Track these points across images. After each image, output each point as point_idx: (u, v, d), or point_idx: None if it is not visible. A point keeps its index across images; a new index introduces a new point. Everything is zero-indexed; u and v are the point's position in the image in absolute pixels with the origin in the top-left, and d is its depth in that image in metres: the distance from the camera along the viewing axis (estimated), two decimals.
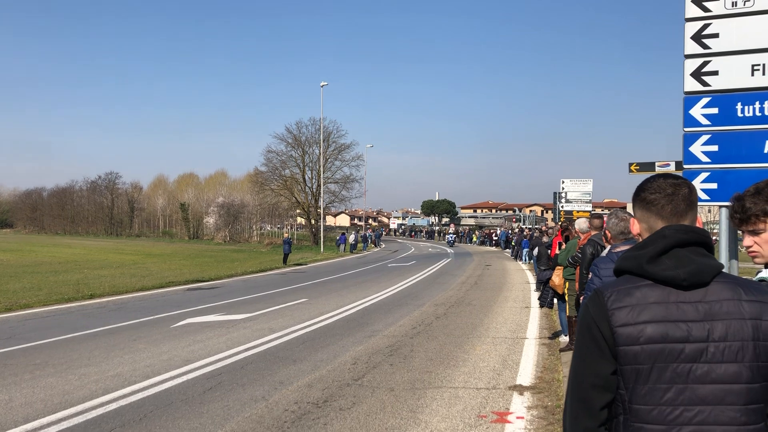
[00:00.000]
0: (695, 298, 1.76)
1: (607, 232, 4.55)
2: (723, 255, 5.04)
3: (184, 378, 7.73)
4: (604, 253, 4.80)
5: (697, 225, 1.93)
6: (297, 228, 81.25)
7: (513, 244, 40.21)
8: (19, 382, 7.63)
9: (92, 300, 16.45)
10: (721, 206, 5.12)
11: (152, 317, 13.03)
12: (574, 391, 1.84)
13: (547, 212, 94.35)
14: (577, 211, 31.96)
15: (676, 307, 1.76)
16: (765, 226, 2.09)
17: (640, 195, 1.95)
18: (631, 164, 22.18)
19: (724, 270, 1.86)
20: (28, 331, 11.41)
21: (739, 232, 2.30)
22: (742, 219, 2.15)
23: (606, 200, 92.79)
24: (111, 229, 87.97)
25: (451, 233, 58.72)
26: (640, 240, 1.96)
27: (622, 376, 1.77)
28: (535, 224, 58.19)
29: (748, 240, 2.17)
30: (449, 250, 49.11)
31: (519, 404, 6.61)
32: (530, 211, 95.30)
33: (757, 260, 2.17)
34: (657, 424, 1.72)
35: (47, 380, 7.70)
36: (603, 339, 1.78)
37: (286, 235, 35.95)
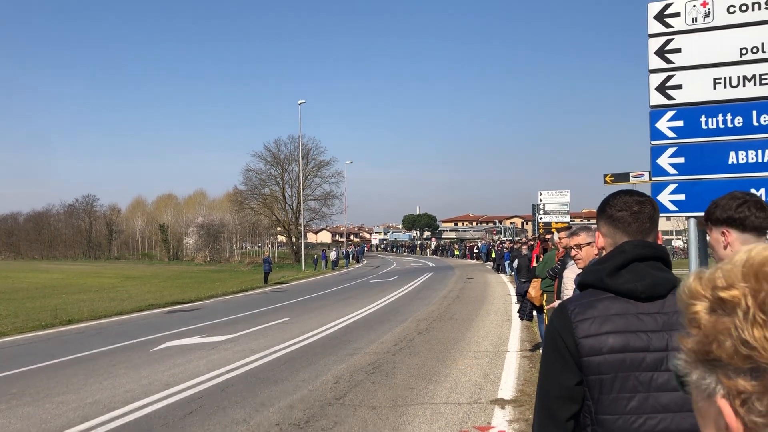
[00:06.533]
0: (654, 309, 1.83)
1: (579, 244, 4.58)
2: (693, 263, 5.15)
3: (164, 402, 7.66)
4: (571, 272, 4.84)
5: (657, 241, 2.01)
6: (278, 246, 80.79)
7: (494, 256, 40.42)
8: None
9: (70, 326, 16.21)
10: (689, 217, 5.24)
11: (132, 341, 12.87)
12: (541, 402, 1.90)
13: (527, 224, 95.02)
14: (556, 222, 32.27)
15: (636, 318, 1.82)
16: (710, 231, 2.27)
17: (606, 211, 2.02)
18: (606, 175, 22.52)
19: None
20: (4, 360, 11.21)
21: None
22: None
23: (585, 210, 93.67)
24: (89, 252, 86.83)
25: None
26: (604, 254, 2.03)
27: (588, 386, 1.82)
28: (515, 236, 58.42)
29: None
30: (431, 264, 49.12)
31: (501, 418, 6.64)
32: (510, 223, 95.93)
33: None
34: None
35: (24, 410, 7.58)
36: (567, 350, 1.83)
37: (266, 254, 35.68)
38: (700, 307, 0.73)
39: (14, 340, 13.85)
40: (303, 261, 50.81)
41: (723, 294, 0.70)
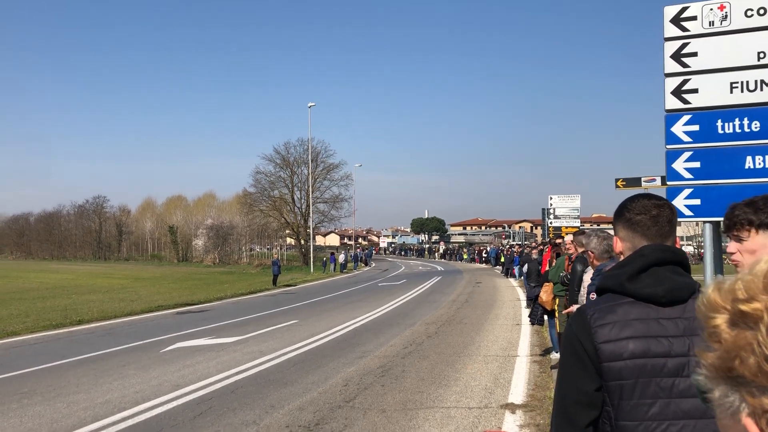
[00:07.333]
0: (675, 314, 1.81)
1: (591, 252, 4.57)
2: (708, 269, 5.10)
3: (174, 403, 7.67)
4: (589, 276, 4.82)
5: (676, 245, 1.98)
6: (287, 248, 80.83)
7: (503, 260, 40.32)
8: (6, 411, 7.53)
9: (80, 326, 16.29)
10: (705, 222, 5.20)
11: (141, 342, 12.91)
12: (559, 407, 1.87)
13: (536, 228, 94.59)
14: (566, 227, 32.10)
15: (657, 323, 1.80)
16: (748, 235, 2.16)
17: (624, 215, 1.99)
18: (617, 179, 22.38)
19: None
20: (15, 359, 11.27)
21: (725, 243, 2.38)
22: (728, 225, 2.24)
23: (594, 215, 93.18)
24: (99, 253, 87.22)
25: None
26: (622, 258, 2.00)
27: (608, 392, 1.80)
28: (525, 240, 58.19)
29: (732, 246, 2.24)
30: (440, 268, 49.01)
31: (511, 423, 6.60)
32: (519, 227, 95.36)
33: (738, 268, 2.22)
34: None
35: (35, 409, 7.61)
36: (587, 356, 1.81)
37: (275, 256, 35.72)
38: (721, 320, 0.70)
39: (25, 340, 13.93)
40: (312, 263, 50.85)
41: (744, 307, 0.67)
